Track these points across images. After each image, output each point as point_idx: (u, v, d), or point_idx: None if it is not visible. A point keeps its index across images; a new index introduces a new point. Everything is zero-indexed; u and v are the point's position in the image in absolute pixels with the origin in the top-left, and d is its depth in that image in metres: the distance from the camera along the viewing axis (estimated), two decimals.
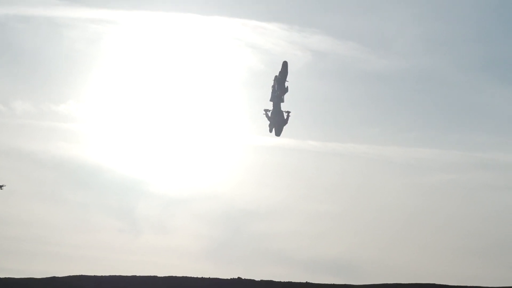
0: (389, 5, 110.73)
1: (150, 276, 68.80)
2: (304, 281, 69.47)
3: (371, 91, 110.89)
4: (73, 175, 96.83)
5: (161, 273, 69.26)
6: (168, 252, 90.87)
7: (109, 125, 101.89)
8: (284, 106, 43.87)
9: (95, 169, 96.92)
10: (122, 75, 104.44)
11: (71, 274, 68.73)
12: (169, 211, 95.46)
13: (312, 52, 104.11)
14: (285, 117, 43.33)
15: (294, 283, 68.76)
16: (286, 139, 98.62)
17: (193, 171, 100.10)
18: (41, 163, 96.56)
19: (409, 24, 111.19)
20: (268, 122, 43.67)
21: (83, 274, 68.90)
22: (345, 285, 69.63)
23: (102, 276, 68.34)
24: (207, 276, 69.21)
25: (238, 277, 69.22)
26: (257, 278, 69.43)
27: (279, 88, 43.60)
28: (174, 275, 69.18)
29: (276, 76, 44.18)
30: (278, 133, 43.81)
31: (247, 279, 69.22)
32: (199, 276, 69.24)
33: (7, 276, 68.77)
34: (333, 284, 69.50)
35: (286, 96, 43.87)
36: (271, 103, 43.79)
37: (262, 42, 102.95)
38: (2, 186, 59.11)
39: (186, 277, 69.01)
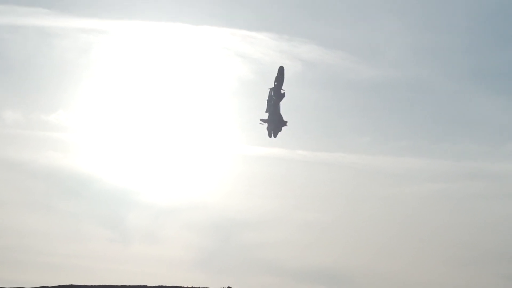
0: (378, 15, 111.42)
1: (140, 286, 68.85)
2: None
3: (361, 100, 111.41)
4: (63, 185, 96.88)
5: (151, 283, 69.34)
6: (158, 261, 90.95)
7: (100, 135, 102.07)
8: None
9: (85, 178, 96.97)
10: (113, 85, 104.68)
11: (62, 284, 68.66)
12: (159, 221, 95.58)
13: (302, 62, 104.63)
14: (283, 118, 43.82)
15: None
16: (275, 148, 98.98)
17: (183, 181, 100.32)
18: (31, 173, 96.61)
19: (399, 34, 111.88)
20: (267, 129, 44.08)
21: (73, 283, 68.82)
22: None
23: (92, 285, 68.32)
24: (197, 286, 69.29)
25: (228, 287, 69.31)
26: None
27: (276, 94, 44.00)
28: (164, 284, 69.20)
29: (270, 89, 44.55)
30: (275, 134, 44.17)
31: None
32: (189, 285, 69.32)
33: None
34: None
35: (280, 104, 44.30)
36: (267, 114, 44.18)
37: (252, 52, 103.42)
38: None
39: (176, 286, 69.06)
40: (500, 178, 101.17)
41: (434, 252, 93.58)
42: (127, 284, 68.84)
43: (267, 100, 44.96)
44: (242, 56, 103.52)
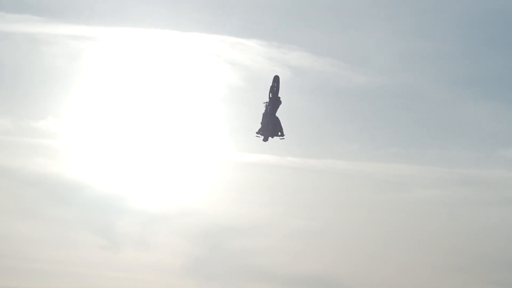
0: (368, 22, 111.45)
1: None
2: None
3: (351, 107, 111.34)
4: (52, 192, 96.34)
5: None
6: (148, 268, 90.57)
7: (89, 141, 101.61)
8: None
9: (75, 185, 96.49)
10: (102, 91, 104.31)
11: None
12: (149, 228, 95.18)
13: (291, 69, 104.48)
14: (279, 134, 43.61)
15: None
16: (265, 155, 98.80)
17: (173, 188, 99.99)
18: (20, 180, 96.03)
19: (389, 41, 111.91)
20: (264, 135, 43.84)
21: None
22: None
23: None
24: None
25: None
26: None
27: (272, 102, 43.80)
28: None
29: (266, 103, 44.28)
30: (273, 134, 43.91)
31: None
32: None
33: None
34: None
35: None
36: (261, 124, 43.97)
37: (241, 59, 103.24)
38: None
39: None
40: (491, 185, 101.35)
41: (425, 258, 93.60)
42: None
43: (263, 114, 44.67)
44: (231, 63, 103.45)
